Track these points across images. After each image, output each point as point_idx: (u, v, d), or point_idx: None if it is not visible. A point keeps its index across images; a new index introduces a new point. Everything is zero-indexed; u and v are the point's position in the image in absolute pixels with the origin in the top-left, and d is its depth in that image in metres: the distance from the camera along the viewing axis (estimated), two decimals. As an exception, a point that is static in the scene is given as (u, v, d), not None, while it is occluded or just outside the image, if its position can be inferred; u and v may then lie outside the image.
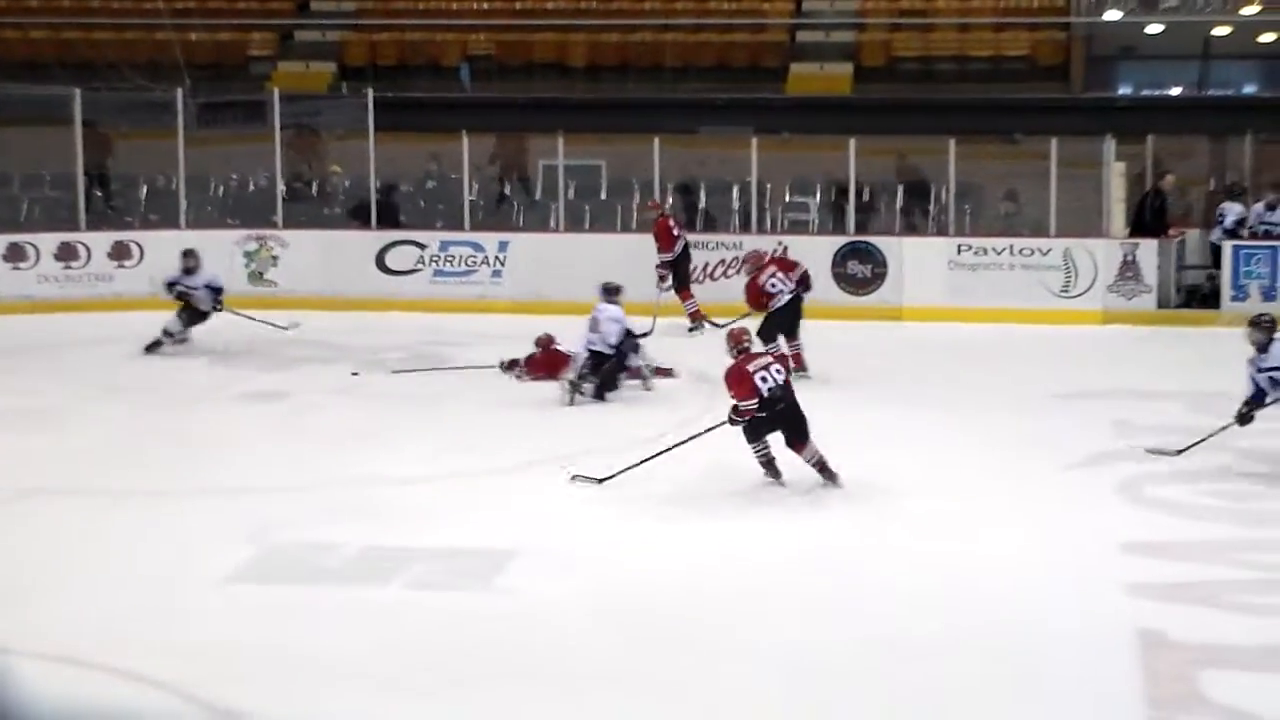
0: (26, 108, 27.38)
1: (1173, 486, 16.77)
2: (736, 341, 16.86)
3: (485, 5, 30.20)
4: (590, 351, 20.41)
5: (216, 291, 22.88)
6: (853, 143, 26.62)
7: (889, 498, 16.57)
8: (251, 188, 28.10)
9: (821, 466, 16.42)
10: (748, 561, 15.02)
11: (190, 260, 22.87)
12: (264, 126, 27.37)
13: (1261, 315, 17.39)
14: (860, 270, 25.80)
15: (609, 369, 20.55)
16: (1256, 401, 17.21)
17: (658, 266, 24.55)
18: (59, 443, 18.06)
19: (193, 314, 22.75)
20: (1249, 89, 29.60)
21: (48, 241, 26.41)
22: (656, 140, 26.91)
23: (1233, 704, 11.79)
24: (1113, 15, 29.31)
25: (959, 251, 25.95)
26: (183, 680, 12.15)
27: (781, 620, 13.40)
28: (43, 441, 17.87)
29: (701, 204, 27.80)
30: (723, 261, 25.84)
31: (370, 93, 27.17)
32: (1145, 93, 29.46)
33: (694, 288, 25.05)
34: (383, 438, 19.02)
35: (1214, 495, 16.47)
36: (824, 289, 24.89)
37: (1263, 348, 17.17)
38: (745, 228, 26.89)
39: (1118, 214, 26.23)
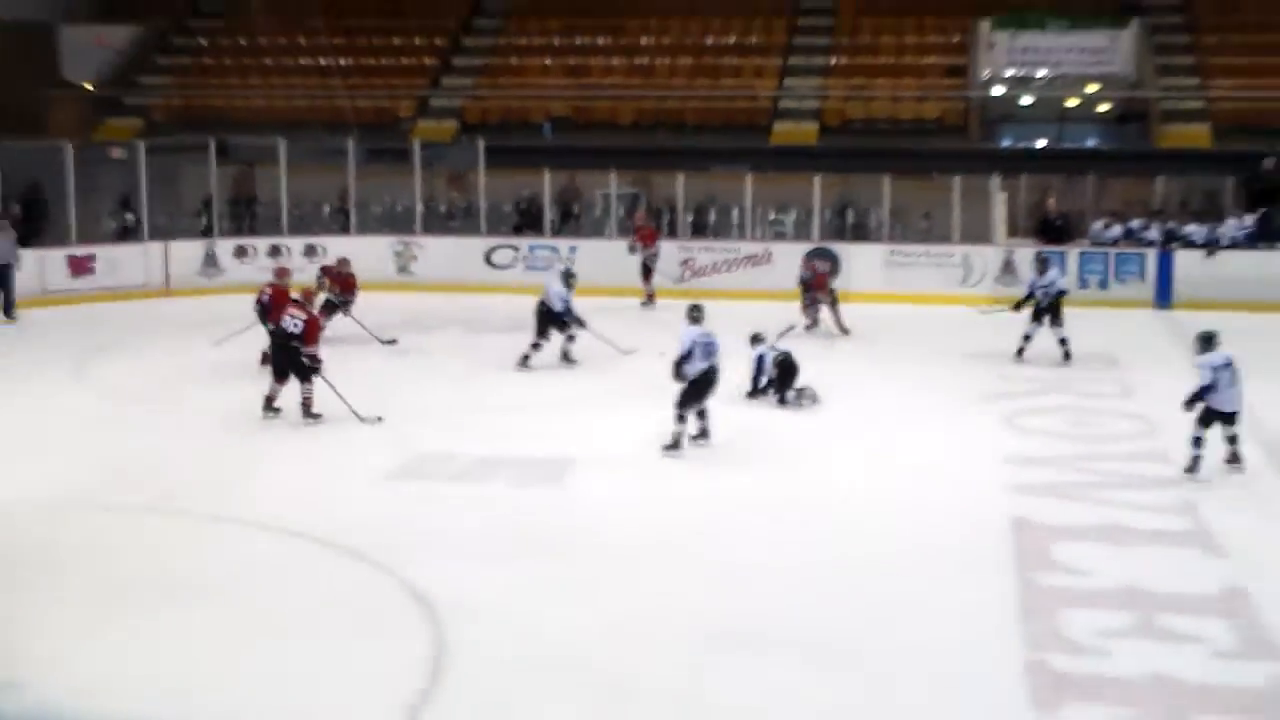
0: (248, 151, 27.53)
1: (1040, 417, 16.88)
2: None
3: (562, 80, 30.05)
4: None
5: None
6: (817, 179, 26.62)
7: (837, 426, 16.70)
8: (399, 208, 28.03)
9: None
10: (728, 486, 15.22)
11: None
12: (408, 165, 27.42)
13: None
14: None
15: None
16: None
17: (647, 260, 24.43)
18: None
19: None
20: (1090, 143, 29.42)
21: (263, 244, 26.56)
22: (680, 176, 26.94)
23: (1074, 564, 12.06)
24: (998, 90, 29.15)
25: (891, 254, 25.94)
26: (352, 543, 12.47)
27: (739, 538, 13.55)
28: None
29: (711, 220, 27.72)
30: (725, 260, 25.86)
31: (481, 142, 27.25)
32: (1020, 145, 29.26)
33: (709, 279, 25.15)
34: (480, 380, 19.18)
35: (1067, 424, 16.67)
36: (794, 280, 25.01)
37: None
38: (741, 236, 26.80)
39: (1000, 229, 26.17)
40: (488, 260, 26.70)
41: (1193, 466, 14.44)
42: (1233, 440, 14.56)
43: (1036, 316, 20.18)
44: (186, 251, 26.00)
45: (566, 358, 19.60)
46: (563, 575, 12.09)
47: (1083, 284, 25.14)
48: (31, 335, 22.39)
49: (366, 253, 26.00)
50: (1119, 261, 25.40)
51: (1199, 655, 10.62)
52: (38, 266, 24.49)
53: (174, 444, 15.43)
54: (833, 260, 24.69)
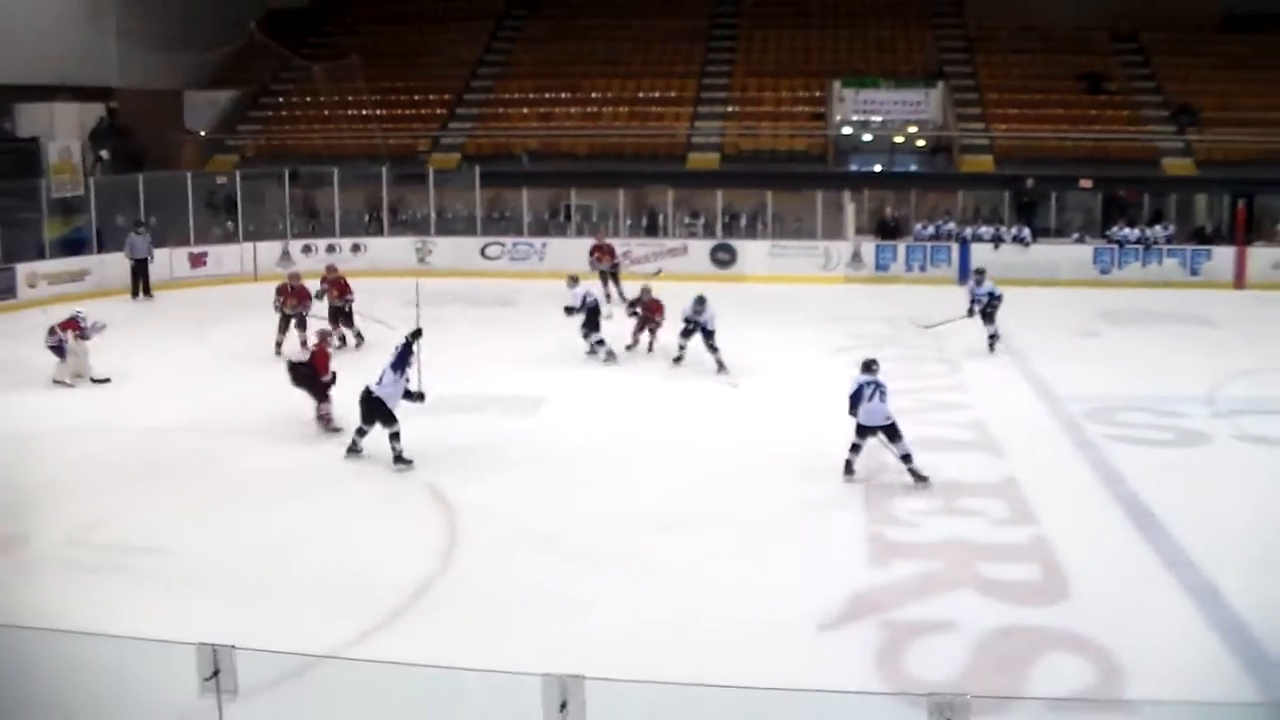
0: (311, 177, 27.58)
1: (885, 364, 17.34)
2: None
3: (535, 124, 30.09)
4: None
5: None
6: (719, 193, 27.01)
7: (736, 368, 16.89)
8: (418, 215, 28.12)
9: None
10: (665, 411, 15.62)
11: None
12: (425, 185, 27.53)
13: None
14: (724, 257, 26.13)
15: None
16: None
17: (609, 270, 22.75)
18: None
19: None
20: (912, 168, 29.69)
21: (321, 242, 26.60)
22: (621, 192, 27.25)
23: (900, 467, 12.35)
24: (847, 130, 29.35)
25: (773, 247, 26.34)
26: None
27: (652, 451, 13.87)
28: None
29: (644, 222, 27.90)
30: (654, 252, 25.91)
31: (478, 168, 27.46)
32: (863, 169, 29.49)
33: (641, 265, 24.89)
34: (486, 341, 19.26)
35: (897, 368, 16.42)
36: (706, 267, 25.41)
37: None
38: (665, 235, 27.06)
39: (850, 229, 26.55)
40: (482, 253, 26.86)
41: (846, 468, 12.23)
42: (905, 459, 12.10)
43: (986, 318, 18.24)
44: (268, 248, 26.10)
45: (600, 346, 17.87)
46: (539, 479, 12.35)
47: (908, 268, 25.64)
48: (164, 310, 22.54)
49: (395, 248, 26.62)
50: (933, 251, 25.92)
51: (983, 524, 11.21)
52: (167, 261, 24.64)
53: (266, 386, 15.50)
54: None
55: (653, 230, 27.61)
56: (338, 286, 18.71)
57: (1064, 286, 24.40)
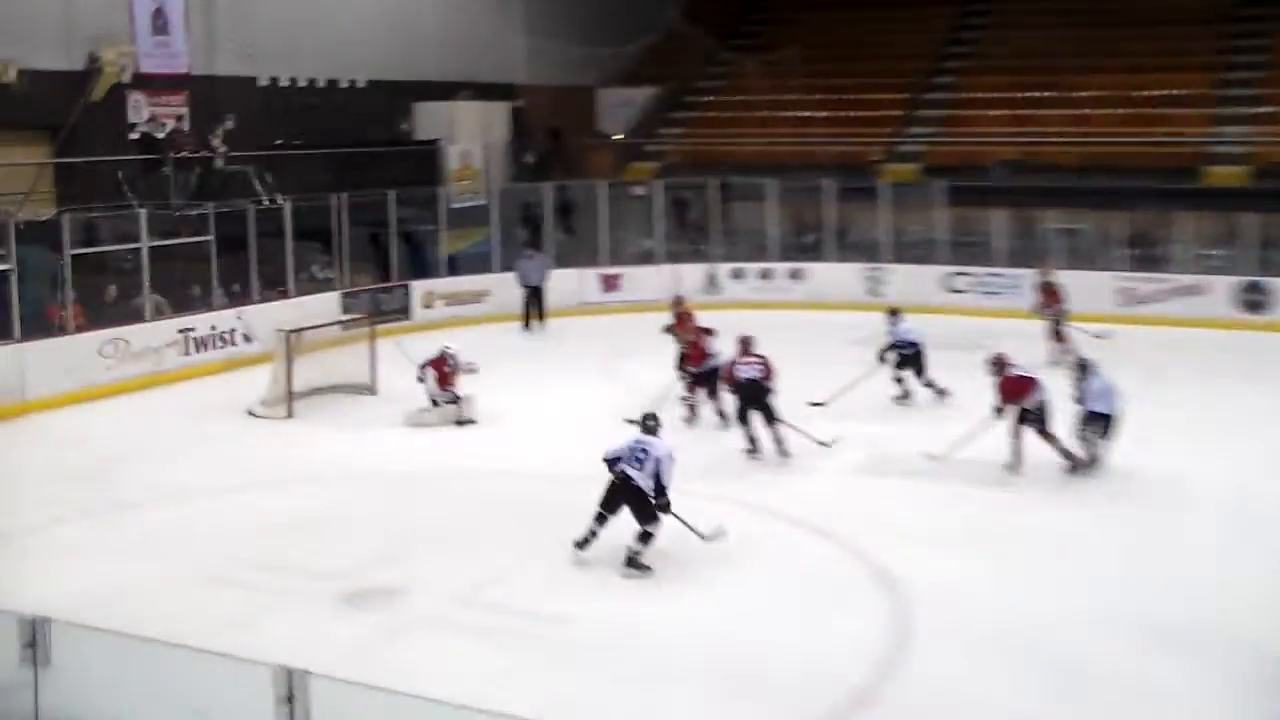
0: (742, 189, 27.77)
1: None
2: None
3: (1009, 129, 29.11)
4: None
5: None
6: (1247, 216, 24.85)
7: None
8: (868, 237, 27.54)
9: None
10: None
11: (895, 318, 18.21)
12: (874, 202, 26.99)
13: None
14: (1255, 298, 23.97)
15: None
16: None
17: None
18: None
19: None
20: None
21: (753, 268, 26.70)
22: (1115, 214, 25.61)
23: None
24: None
25: None
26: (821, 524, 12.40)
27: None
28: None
29: (1139, 252, 26.00)
30: (1161, 290, 24.36)
31: (941, 182, 26.70)
32: None
33: (1148, 307, 23.51)
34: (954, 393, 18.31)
35: None
36: (1229, 311, 23.47)
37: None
38: (1174, 268, 25.16)
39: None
40: (946, 285, 26.04)
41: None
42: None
43: None
44: (692, 272, 26.40)
45: None
46: (1006, 564, 11.72)
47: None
48: (565, 340, 23.19)
49: (840, 276, 26.43)
50: None
51: None
52: (576, 283, 25.38)
53: (685, 436, 15.47)
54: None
55: (1153, 262, 25.85)
56: (680, 323, 18.82)
57: None
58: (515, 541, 12.36)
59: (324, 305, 22.28)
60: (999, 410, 14.35)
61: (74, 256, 19.08)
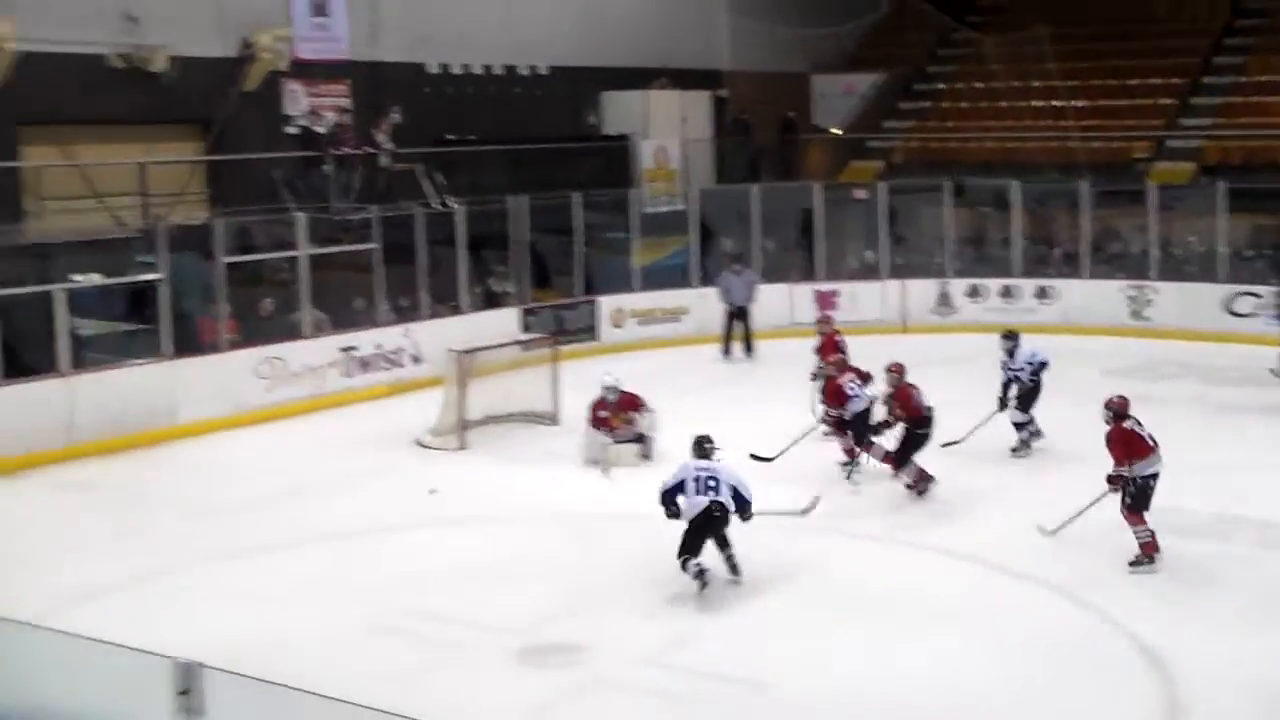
0: (981, 193, 27.59)
1: None
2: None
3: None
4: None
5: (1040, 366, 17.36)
6: None
7: None
8: (1133, 249, 27.15)
9: None
10: None
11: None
12: (1142, 208, 26.52)
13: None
14: None
15: None
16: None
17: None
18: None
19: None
20: None
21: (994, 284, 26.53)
22: None
23: None
24: None
25: None
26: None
27: None
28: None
29: None
30: None
31: (1221, 184, 26.01)
32: None
33: None
34: (1225, 438, 18.19)
35: None
36: None
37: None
38: None
39: None
40: (1228, 308, 25.40)
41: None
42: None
43: None
44: (922, 289, 26.38)
45: None
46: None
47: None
48: (771, 367, 22.96)
49: (1099, 295, 26.06)
50: None
51: None
52: (786, 300, 25.45)
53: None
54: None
55: None
56: (827, 346, 18.83)
57: None
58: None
59: (501, 323, 22.78)
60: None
61: (227, 265, 19.87)
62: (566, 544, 14.29)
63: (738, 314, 24.20)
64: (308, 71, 24.59)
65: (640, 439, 17.28)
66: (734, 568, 12.79)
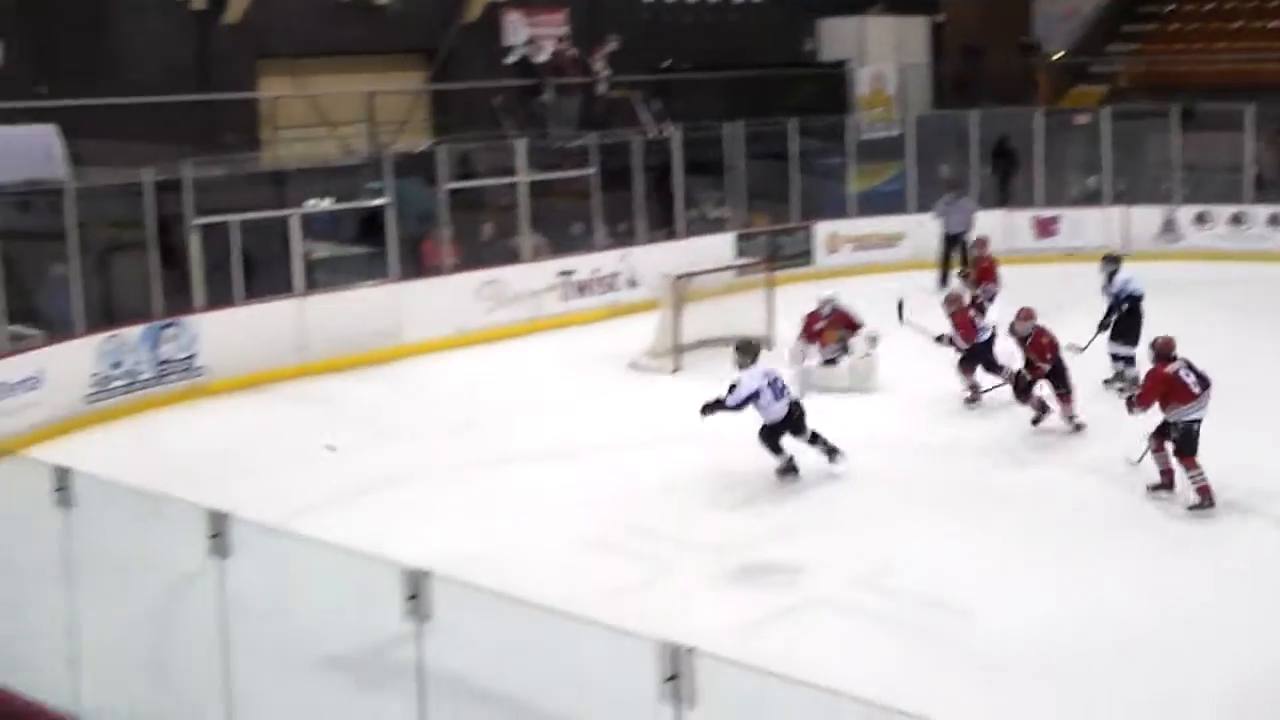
0: (1211, 117, 26.78)
1: None
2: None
3: None
4: None
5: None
6: None
7: None
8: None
9: None
10: None
11: None
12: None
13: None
14: None
15: None
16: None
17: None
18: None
19: None
20: None
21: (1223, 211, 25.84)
22: None
23: None
24: None
25: None
26: None
27: None
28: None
29: None
30: None
31: None
32: None
33: None
34: None
35: None
36: None
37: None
38: None
39: None
40: None
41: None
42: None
43: None
44: (1146, 216, 25.78)
45: None
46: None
47: None
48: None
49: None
50: None
51: None
52: (1004, 227, 25.09)
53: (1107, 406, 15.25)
54: None
55: None
56: (979, 270, 19.38)
57: None
58: (921, 522, 12.59)
59: (716, 248, 22.93)
60: None
61: (450, 191, 20.39)
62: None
63: (953, 242, 23.92)
64: (527, 2, 24.91)
65: (845, 352, 17.41)
66: (831, 451, 13.74)
